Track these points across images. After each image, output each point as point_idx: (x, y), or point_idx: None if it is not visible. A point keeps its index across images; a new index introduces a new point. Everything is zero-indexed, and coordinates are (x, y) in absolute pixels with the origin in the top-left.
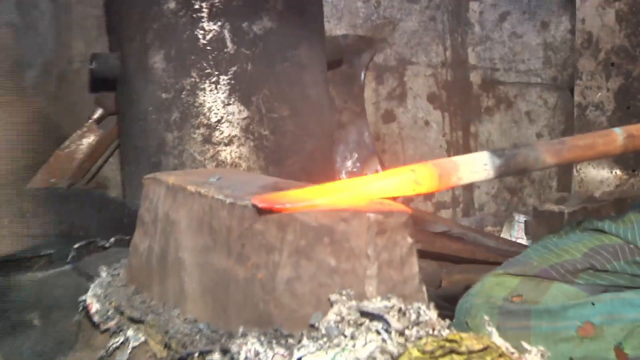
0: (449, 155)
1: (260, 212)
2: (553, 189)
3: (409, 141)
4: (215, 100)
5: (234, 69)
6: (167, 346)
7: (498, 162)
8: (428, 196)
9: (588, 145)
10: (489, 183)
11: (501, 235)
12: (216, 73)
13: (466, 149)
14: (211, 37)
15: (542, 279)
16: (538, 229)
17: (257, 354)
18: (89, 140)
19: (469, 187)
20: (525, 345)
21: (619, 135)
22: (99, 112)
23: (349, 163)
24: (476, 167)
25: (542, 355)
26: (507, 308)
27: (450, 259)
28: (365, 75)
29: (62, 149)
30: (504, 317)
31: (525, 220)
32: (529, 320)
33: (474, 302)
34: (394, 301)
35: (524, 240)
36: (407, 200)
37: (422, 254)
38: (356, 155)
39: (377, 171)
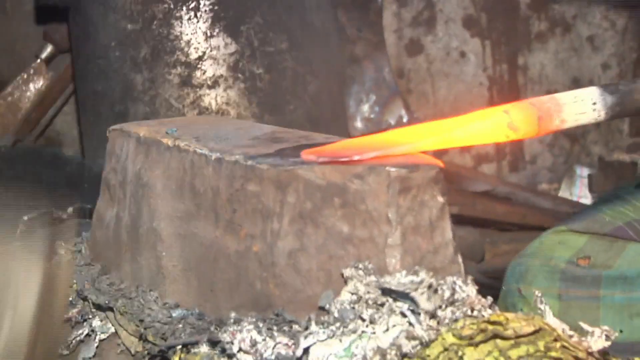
0: (490, 94)
1: (252, 170)
2: (624, 133)
3: (441, 78)
4: (195, 32)
5: None
6: (142, 338)
7: (611, 100)
8: (465, 147)
9: None
10: None
11: (559, 194)
12: None
13: (513, 86)
14: None
15: (615, 238)
16: (605, 184)
17: (254, 343)
18: (36, 85)
19: None
20: (585, 326)
21: None
22: (47, 50)
23: (365, 107)
24: (583, 107)
25: (607, 337)
26: (571, 272)
27: (494, 225)
28: None
29: (2, 97)
30: (567, 284)
31: (589, 174)
32: (599, 288)
33: (530, 265)
34: (423, 275)
35: (587, 200)
36: (439, 152)
37: (459, 219)
38: (374, 98)
39: (400, 117)
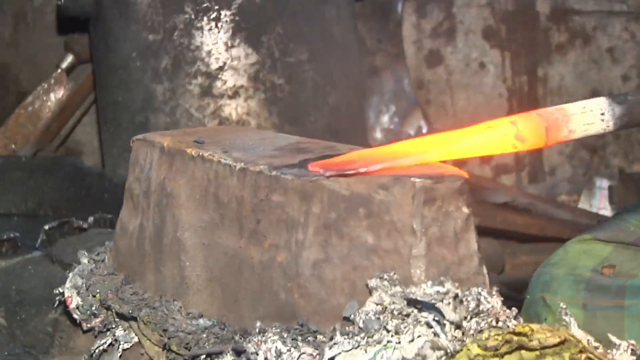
0: (510, 106)
1: (276, 181)
2: None
3: (460, 89)
4: (216, 42)
5: (238, 1)
6: (166, 348)
7: (619, 111)
8: (484, 158)
9: None
10: None
11: (579, 206)
12: (216, 7)
13: (532, 98)
14: None
15: None
16: (626, 196)
17: (279, 354)
18: (56, 95)
19: None
20: (613, 338)
21: None
22: (68, 60)
23: (385, 118)
24: (592, 118)
25: (633, 351)
26: (596, 282)
27: (514, 237)
28: (403, 6)
29: (23, 107)
30: (592, 294)
31: (609, 186)
32: (624, 298)
33: (555, 274)
34: (448, 286)
35: (607, 211)
36: (458, 163)
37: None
38: (394, 109)
39: (419, 127)
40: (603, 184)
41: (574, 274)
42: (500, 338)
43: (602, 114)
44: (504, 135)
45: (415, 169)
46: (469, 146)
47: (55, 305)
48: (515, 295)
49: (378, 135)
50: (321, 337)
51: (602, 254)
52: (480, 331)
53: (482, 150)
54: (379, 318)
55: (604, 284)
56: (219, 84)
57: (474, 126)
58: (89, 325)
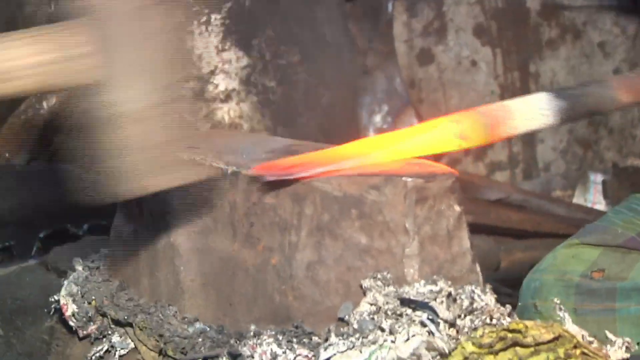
0: None
1: (268, 184)
2: (637, 139)
3: (452, 87)
4: (207, 46)
5: (228, 4)
6: (162, 353)
7: (561, 105)
8: (479, 155)
9: None
10: (555, 136)
11: (573, 201)
12: (206, 11)
13: (525, 94)
14: None
15: (629, 249)
16: (619, 190)
17: (274, 356)
18: (49, 103)
19: (531, 142)
20: (609, 335)
21: None
22: None
23: (377, 118)
24: (534, 113)
25: (627, 348)
26: (586, 286)
27: (509, 233)
28: (393, 5)
29: (16, 116)
30: (582, 298)
31: (603, 181)
32: (614, 301)
33: (545, 280)
34: (441, 285)
35: (602, 206)
36: (452, 161)
37: (474, 228)
38: (386, 108)
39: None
40: (597, 178)
41: (564, 279)
42: (494, 335)
43: (544, 109)
44: (447, 134)
45: (406, 168)
46: (413, 146)
47: (51, 313)
48: (511, 291)
49: (371, 135)
50: (316, 338)
51: (591, 257)
52: (475, 329)
53: (425, 150)
54: (373, 318)
55: (594, 287)
56: (210, 87)
57: (417, 126)
58: (85, 332)
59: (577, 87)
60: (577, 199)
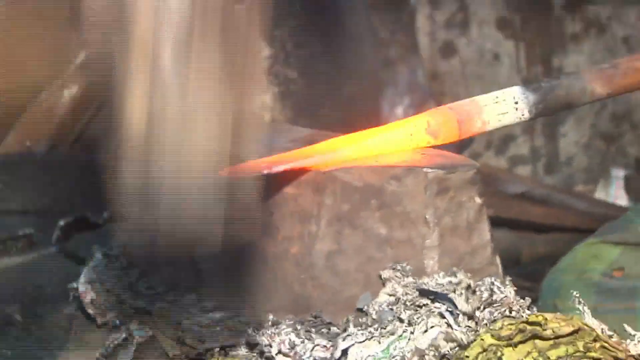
0: None
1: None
2: None
3: (475, 80)
4: None
5: None
6: (180, 341)
7: (533, 99)
8: (500, 149)
9: None
10: (577, 130)
11: (595, 196)
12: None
13: None
14: None
15: None
16: None
17: (292, 346)
18: (70, 91)
19: (553, 136)
20: (629, 329)
21: None
22: (82, 56)
23: (399, 110)
24: (505, 107)
25: None
26: (606, 285)
27: (531, 227)
28: None
29: (38, 104)
30: (602, 297)
31: (625, 176)
32: (635, 300)
33: (564, 280)
34: (461, 277)
35: (624, 201)
36: (473, 155)
37: (495, 222)
38: (408, 100)
39: None
40: (619, 173)
41: (583, 279)
42: (513, 327)
43: (516, 103)
44: (416, 131)
45: (427, 159)
46: (381, 143)
47: (70, 300)
48: (531, 285)
49: None
50: (335, 328)
51: (611, 256)
52: (494, 321)
53: (395, 147)
54: (392, 309)
55: (614, 286)
56: None
57: (386, 124)
58: (103, 319)
59: (550, 80)
60: (599, 194)
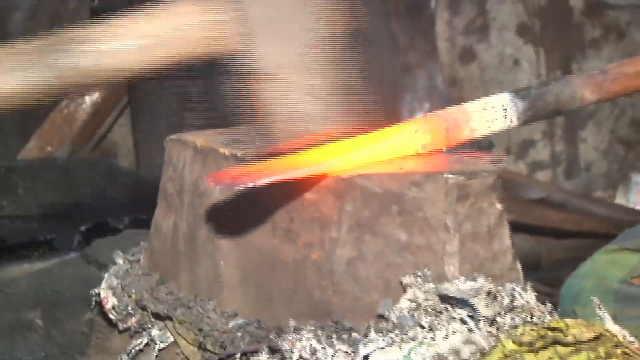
0: None
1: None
2: None
3: (494, 85)
4: None
5: None
6: (201, 347)
7: (522, 106)
8: (520, 154)
9: (639, 72)
10: (596, 135)
11: (615, 202)
12: None
13: None
14: None
15: None
16: None
17: (314, 352)
18: (92, 97)
19: (572, 142)
20: None
21: None
22: None
23: (418, 115)
24: (494, 114)
25: None
26: (625, 292)
27: (550, 233)
28: (436, 3)
29: (58, 110)
30: (621, 304)
31: None
32: None
33: (583, 286)
34: (482, 282)
35: None
36: (494, 160)
37: (515, 227)
38: (427, 106)
39: None
40: (639, 179)
41: (603, 285)
42: (535, 333)
43: (505, 110)
44: (404, 139)
45: (447, 165)
46: (371, 153)
47: (91, 306)
48: (551, 291)
49: None
50: (356, 334)
51: (630, 263)
52: (515, 327)
53: (383, 156)
54: (413, 315)
55: (634, 293)
56: None
57: (375, 132)
58: (124, 325)
59: (539, 86)
60: (619, 200)
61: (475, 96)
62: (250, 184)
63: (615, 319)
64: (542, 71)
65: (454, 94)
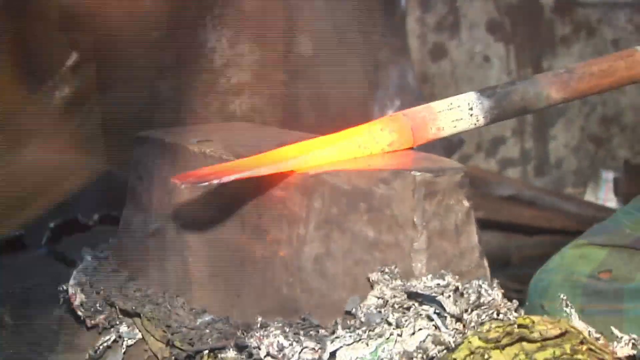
0: None
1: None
2: None
3: (465, 82)
4: (219, 39)
5: None
6: (169, 343)
7: (488, 104)
8: (491, 152)
9: (604, 72)
10: (567, 132)
11: (585, 198)
12: (219, 4)
13: None
14: None
15: (636, 250)
16: (631, 187)
17: (281, 348)
18: (62, 94)
19: (543, 139)
20: (615, 331)
21: None
22: (74, 57)
23: (389, 112)
24: (460, 113)
25: (634, 345)
26: (593, 287)
27: (520, 230)
28: (407, 0)
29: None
30: (589, 298)
31: (614, 178)
32: (621, 302)
33: (552, 280)
34: (449, 279)
35: (613, 203)
36: (464, 157)
37: (485, 224)
38: (398, 103)
39: None
40: (609, 176)
41: (571, 280)
42: (501, 330)
43: (471, 109)
44: (370, 138)
45: (415, 162)
46: (335, 152)
47: (60, 303)
48: (520, 287)
49: None
50: (323, 331)
51: (598, 258)
52: (481, 323)
53: (348, 154)
54: (380, 311)
55: (601, 288)
56: (222, 80)
57: (341, 132)
58: (93, 322)
59: (505, 85)
60: (589, 196)
61: (447, 93)
62: (215, 181)
63: (583, 313)
64: (512, 68)
65: (425, 90)
